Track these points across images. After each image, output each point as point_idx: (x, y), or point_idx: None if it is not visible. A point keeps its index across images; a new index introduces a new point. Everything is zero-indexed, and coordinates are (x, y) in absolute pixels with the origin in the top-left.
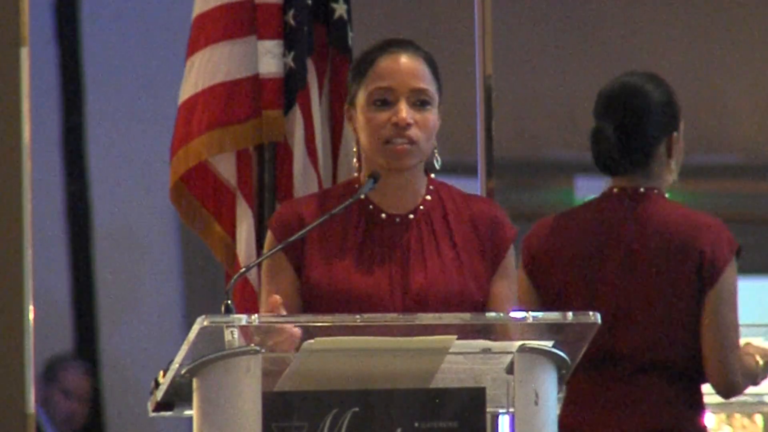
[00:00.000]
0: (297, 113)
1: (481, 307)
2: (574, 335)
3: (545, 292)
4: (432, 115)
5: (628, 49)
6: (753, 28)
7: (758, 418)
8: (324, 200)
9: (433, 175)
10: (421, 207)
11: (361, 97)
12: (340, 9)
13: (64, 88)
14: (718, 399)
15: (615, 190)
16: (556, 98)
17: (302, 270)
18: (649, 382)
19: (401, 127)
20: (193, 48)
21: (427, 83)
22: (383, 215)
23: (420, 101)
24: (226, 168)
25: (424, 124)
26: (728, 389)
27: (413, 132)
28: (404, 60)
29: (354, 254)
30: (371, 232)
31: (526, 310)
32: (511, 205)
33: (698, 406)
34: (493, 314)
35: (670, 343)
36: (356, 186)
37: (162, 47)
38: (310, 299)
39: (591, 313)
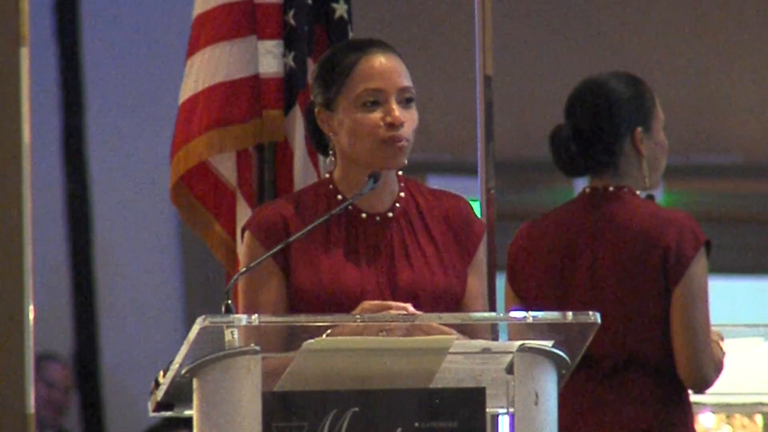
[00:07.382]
0: (297, 113)
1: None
2: (574, 335)
3: (524, 299)
4: (416, 113)
5: (627, 48)
6: (753, 28)
7: (758, 418)
8: (299, 201)
9: (400, 172)
10: (397, 205)
11: (343, 100)
12: (340, 9)
13: (64, 88)
14: (718, 399)
15: (587, 190)
16: (556, 98)
17: (289, 273)
18: (624, 381)
19: (396, 126)
20: (193, 48)
21: (409, 81)
22: (363, 215)
23: (406, 99)
24: (226, 168)
25: (411, 122)
26: (699, 385)
27: (405, 130)
28: (386, 60)
29: (339, 254)
30: (354, 232)
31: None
32: (511, 205)
33: (678, 403)
34: (493, 314)
35: (642, 341)
36: (330, 186)
37: (162, 47)
38: (297, 301)
39: (591, 312)
